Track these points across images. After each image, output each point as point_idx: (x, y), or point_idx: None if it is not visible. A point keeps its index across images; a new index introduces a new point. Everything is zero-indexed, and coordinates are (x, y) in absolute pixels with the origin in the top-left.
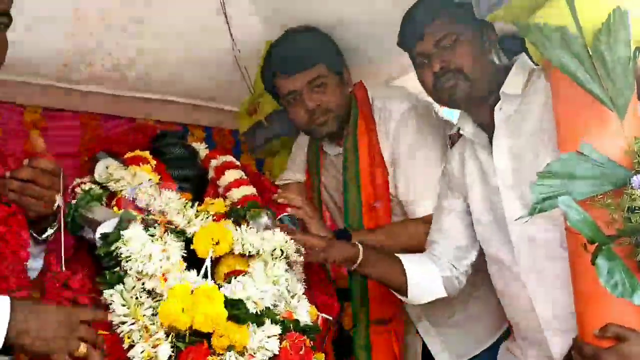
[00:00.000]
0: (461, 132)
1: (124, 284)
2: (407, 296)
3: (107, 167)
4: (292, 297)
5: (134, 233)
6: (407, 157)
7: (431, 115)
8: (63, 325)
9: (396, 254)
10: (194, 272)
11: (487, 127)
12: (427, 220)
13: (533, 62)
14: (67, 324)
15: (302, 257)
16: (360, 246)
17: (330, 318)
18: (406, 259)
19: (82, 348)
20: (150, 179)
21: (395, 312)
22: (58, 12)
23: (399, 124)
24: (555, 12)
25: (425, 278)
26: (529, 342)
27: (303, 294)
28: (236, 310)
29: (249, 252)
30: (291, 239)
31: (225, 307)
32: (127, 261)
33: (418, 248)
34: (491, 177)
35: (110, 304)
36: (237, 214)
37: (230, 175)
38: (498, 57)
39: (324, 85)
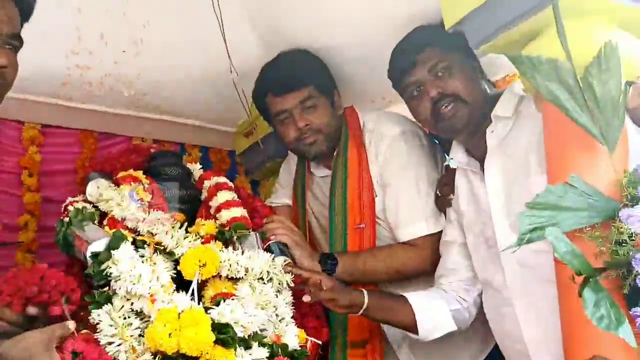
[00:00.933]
0: (453, 162)
1: (112, 304)
2: (417, 334)
3: (97, 187)
4: (281, 320)
5: (124, 253)
6: (397, 181)
7: (422, 139)
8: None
9: (403, 294)
10: (182, 293)
11: (479, 155)
12: (414, 244)
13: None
14: (44, 345)
15: (292, 283)
16: (365, 292)
17: (320, 342)
18: (413, 297)
19: None
20: (139, 199)
21: (372, 335)
22: (59, 31)
23: (390, 147)
24: (547, 45)
25: (434, 314)
26: None
27: (292, 317)
28: (223, 335)
29: (237, 273)
30: (293, 274)
31: (213, 330)
32: (116, 281)
33: (406, 273)
34: (483, 202)
35: (98, 323)
36: (224, 236)
37: (222, 197)
38: (487, 85)
39: (315, 106)
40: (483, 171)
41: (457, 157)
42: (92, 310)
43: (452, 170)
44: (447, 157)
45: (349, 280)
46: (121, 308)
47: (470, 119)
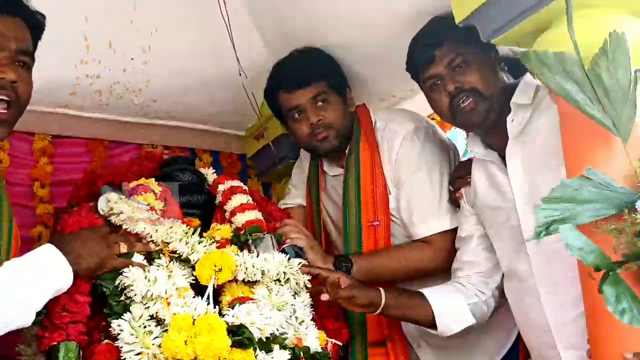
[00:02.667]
0: (472, 154)
1: (130, 312)
2: (436, 329)
3: (108, 201)
4: (300, 323)
5: (136, 258)
6: (410, 178)
7: (435, 135)
8: (99, 239)
9: (420, 290)
10: (198, 298)
11: (497, 147)
12: (430, 241)
13: None
14: (100, 236)
15: (309, 284)
16: (382, 290)
17: (340, 344)
18: (430, 293)
19: (122, 248)
20: (149, 209)
21: (393, 332)
22: (67, 41)
23: (403, 144)
24: (556, 38)
25: (452, 308)
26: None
27: (311, 319)
28: (239, 336)
29: (253, 277)
30: (309, 273)
31: (228, 334)
32: (131, 288)
33: (422, 271)
34: (506, 192)
35: (119, 333)
36: (239, 240)
37: (237, 200)
38: (505, 77)
39: (326, 101)
40: (503, 161)
41: (475, 149)
42: (112, 321)
43: (464, 163)
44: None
45: (365, 280)
46: (140, 317)
47: (489, 112)
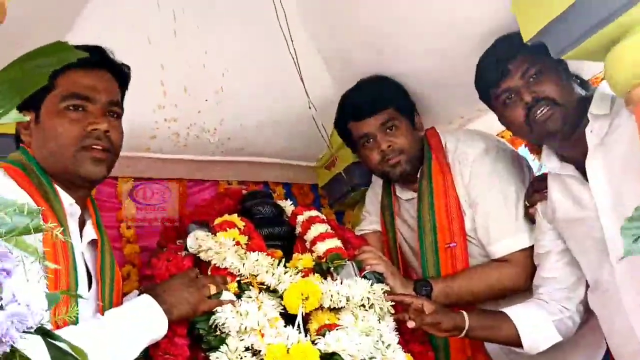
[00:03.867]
0: (547, 169)
1: (227, 344)
2: (522, 348)
3: (196, 239)
4: (388, 347)
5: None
6: (485, 198)
7: (506, 153)
8: (189, 285)
9: (502, 309)
10: (290, 327)
11: (574, 158)
12: (508, 260)
13: None
14: (189, 281)
15: (393, 310)
16: (464, 313)
17: None
18: (513, 312)
19: (212, 289)
20: (235, 244)
21: (476, 354)
22: (145, 88)
23: (475, 164)
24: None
25: (537, 326)
26: None
27: (397, 343)
28: None
29: (338, 303)
30: (393, 300)
31: None
32: (224, 324)
33: (502, 290)
34: (586, 204)
35: None
36: (321, 268)
37: (316, 230)
38: (578, 89)
39: (396, 127)
40: (581, 173)
41: (550, 163)
42: (210, 355)
43: (538, 178)
44: (537, 164)
45: (446, 303)
46: (236, 349)
47: (565, 121)
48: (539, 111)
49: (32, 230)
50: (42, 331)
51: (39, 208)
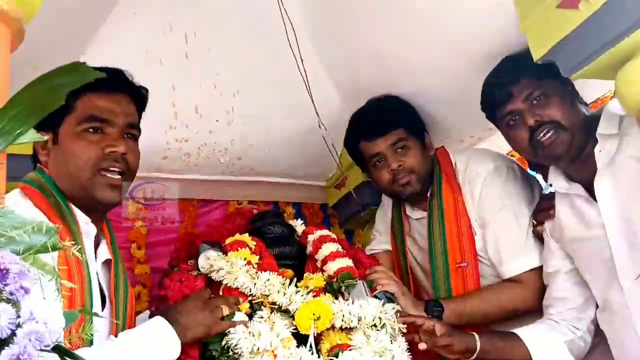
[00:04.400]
0: (554, 189)
1: None
2: None
3: (208, 259)
4: None
5: (238, 316)
6: (495, 217)
7: (517, 172)
8: (200, 306)
9: (513, 330)
10: (302, 348)
11: (582, 178)
12: (519, 280)
13: None
14: (202, 303)
15: (405, 330)
16: (476, 335)
17: None
18: (524, 333)
19: (224, 310)
20: (246, 264)
21: None
22: (157, 109)
23: (485, 184)
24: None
25: (549, 347)
26: None
27: None
28: None
29: (350, 323)
30: (405, 322)
31: None
32: (237, 345)
33: (514, 311)
34: (594, 224)
35: None
36: (332, 288)
37: (327, 249)
38: (584, 109)
39: (406, 147)
40: (589, 193)
41: (557, 183)
42: None
43: (545, 197)
44: (545, 184)
45: (457, 324)
46: None
47: (571, 143)
48: (542, 134)
49: (49, 249)
50: (59, 349)
51: (56, 226)
